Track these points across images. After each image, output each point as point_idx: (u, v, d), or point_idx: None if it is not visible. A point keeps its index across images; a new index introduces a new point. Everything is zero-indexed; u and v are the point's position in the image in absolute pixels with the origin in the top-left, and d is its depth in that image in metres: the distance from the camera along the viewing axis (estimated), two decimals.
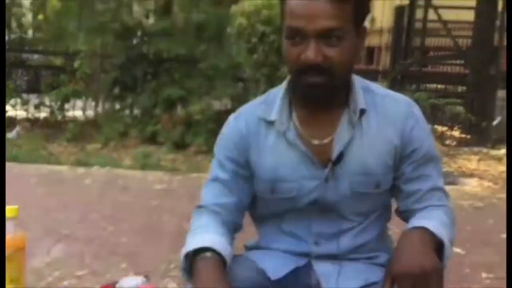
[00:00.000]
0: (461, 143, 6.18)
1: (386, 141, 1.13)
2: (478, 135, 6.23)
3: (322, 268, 1.14)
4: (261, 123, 1.17)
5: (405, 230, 1.08)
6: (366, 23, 1.12)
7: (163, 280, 2.37)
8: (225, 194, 1.17)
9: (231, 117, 1.22)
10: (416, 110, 1.17)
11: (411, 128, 1.14)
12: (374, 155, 1.12)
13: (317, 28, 1.03)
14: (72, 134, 5.58)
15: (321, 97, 1.10)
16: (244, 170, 1.17)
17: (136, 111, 6.04)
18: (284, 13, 1.09)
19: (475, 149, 5.92)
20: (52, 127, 6.04)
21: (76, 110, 6.25)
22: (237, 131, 1.18)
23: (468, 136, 6.29)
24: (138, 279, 1.17)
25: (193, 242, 1.07)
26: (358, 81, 1.15)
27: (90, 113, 6.26)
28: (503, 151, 5.90)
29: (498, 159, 5.53)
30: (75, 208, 3.41)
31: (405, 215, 1.17)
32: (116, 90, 6.26)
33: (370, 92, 1.15)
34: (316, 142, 1.13)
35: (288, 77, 1.16)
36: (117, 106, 6.02)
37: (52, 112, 6.08)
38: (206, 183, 1.21)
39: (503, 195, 4.25)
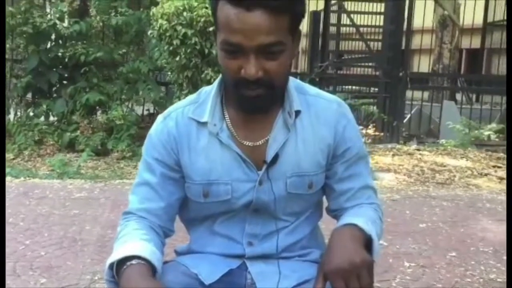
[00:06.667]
0: (375, 140, 6.53)
1: (320, 141, 1.13)
2: (390, 133, 6.63)
3: (256, 269, 1.14)
4: (192, 123, 1.13)
5: (336, 227, 1.10)
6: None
7: None
8: (152, 198, 1.12)
9: (160, 117, 1.17)
10: (347, 110, 1.18)
11: (344, 127, 1.15)
12: (308, 156, 1.13)
13: (256, 44, 1.00)
14: None
15: (259, 107, 1.09)
16: (173, 172, 1.13)
17: (52, 118, 5.74)
18: (217, 23, 1.04)
19: (389, 145, 6.28)
20: None
21: None
22: (166, 132, 1.13)
23: (382, 134, 6.66)
24: None
25: (118, 251, 1.02)
26: (291, 82, 1.14)
27: None
28: (413, 147, 6.33)
29: (410, 154, 5.90)
30: None
31: (336, 213, 1.19)
32: (29, 96, 5.92)
33: (303, 93, 1.15)
34: (250, 143, 1.11)
35: (220, 77, 1.13)
36: (31, 113, 5.68)
37: None
38: (133, 187, 1.16)
39: (417, 188, 4.56)
